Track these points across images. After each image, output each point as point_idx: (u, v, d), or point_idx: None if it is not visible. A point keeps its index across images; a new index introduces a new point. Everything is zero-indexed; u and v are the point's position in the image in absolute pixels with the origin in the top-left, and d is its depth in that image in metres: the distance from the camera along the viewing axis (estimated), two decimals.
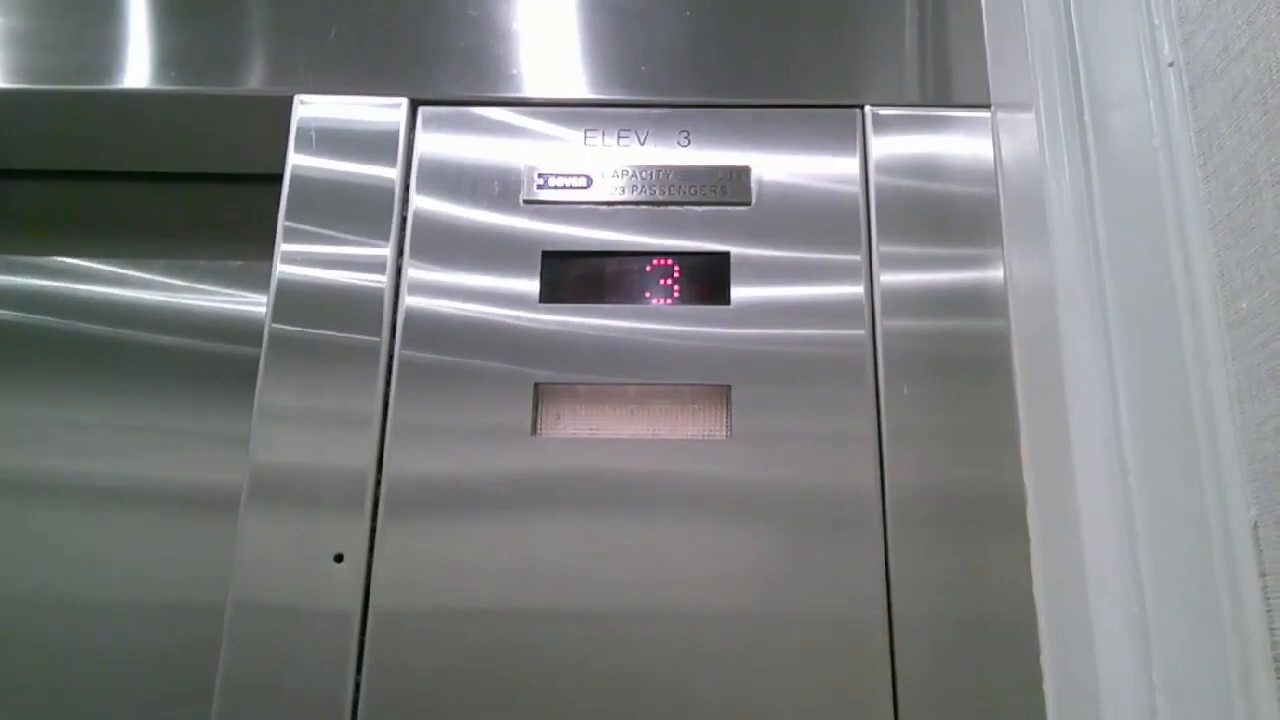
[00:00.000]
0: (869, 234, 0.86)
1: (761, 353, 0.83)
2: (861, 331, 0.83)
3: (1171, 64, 0.62)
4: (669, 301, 0.85)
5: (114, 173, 1.07)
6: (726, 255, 0.86)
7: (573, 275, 0.86)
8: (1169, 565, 0.60)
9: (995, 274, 0.84)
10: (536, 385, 0.82)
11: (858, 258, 0.85)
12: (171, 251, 1.08)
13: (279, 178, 0.88)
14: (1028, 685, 0.74)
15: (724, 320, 0.84)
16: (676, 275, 0.86)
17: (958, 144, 0.88)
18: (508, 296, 0.85)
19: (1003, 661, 0.75)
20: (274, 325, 0.84)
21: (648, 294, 0.85)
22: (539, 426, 0.82)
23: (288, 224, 0.87)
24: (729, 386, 0.82)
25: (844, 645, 0.76)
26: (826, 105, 0.90)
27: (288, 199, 0.87)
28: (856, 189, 0.87)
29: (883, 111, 0.89)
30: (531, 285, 0.85)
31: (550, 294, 0.85)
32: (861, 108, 0.90)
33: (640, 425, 0.83)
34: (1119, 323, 0.67)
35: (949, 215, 0.86)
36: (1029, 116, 0.78)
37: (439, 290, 0.85)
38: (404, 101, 0.90)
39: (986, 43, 0.90)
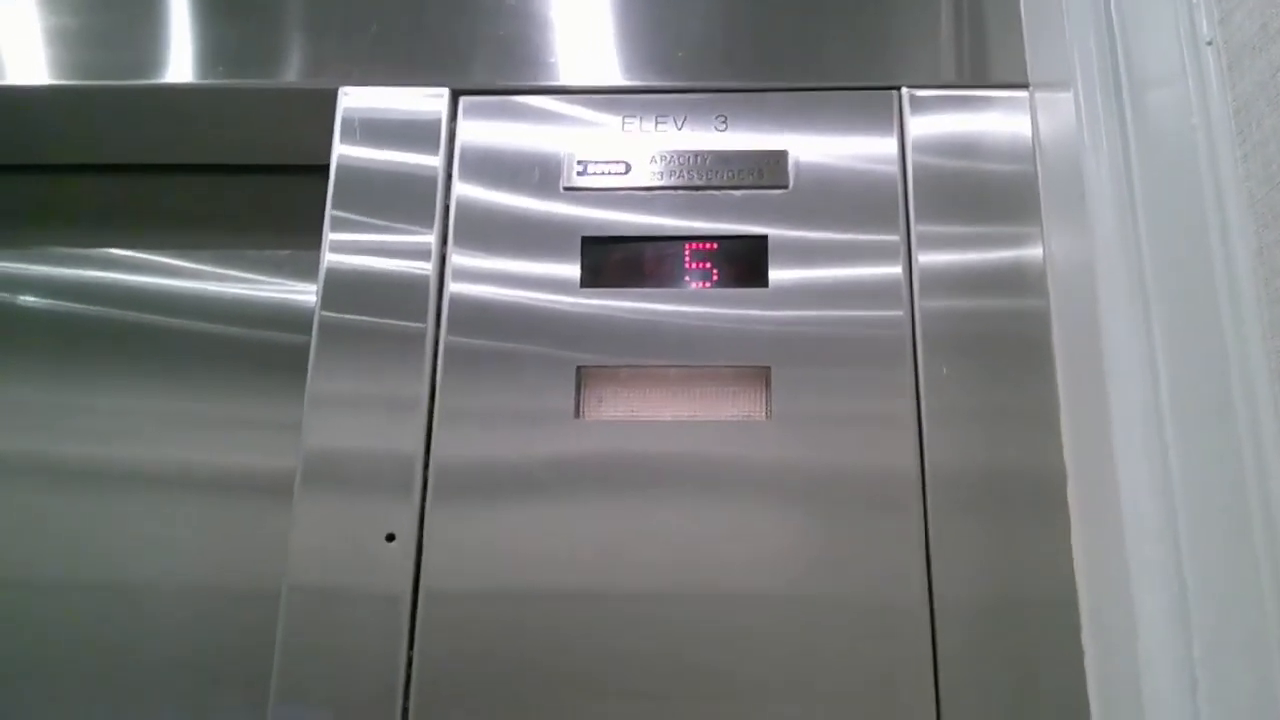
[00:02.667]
0: (907, 215, 0.86)
1: (800, 334, 0.83)
2: (900, 312, 0.83)
3: (1210, 42, 0.61)
4: (708, 285, 0.86)
5: (164, 166, 1.09)
6: (764, 238, 0.86)
7: (613, 260, 0.87)
8: (1209, 542, 0.61)
9: (1034, 253, 0.84)
10: (579, 369, 0.83)
11: (896, 238, 0.85)
12: (221, 242, 1.10)
13: (325, 168, 0.90)
14: (1069, 664, 0.74)
15: (763, 302, 0.84)
16: (715, 258, 0.86)
17: (996, 123, 0.88)
18: (549, 282, 0.86)
19: (1044, 641, 0.75)
20: (323, 313, 0.86)
21: (687, 277, 0.86)
22: (582, 409, 0.83)
23: (335, 213, 0.88)
24: (768, 368, 0.83)
25: (885, 626, 0.76)
26: (863, 87, 0.90)
27: (334, 189, 0.89)
28: (894, 170, 0.87)
29: (920, 93, 0.89)
30: (573, 270, 0.86)
31: (591, 279, 0.86)
32: (898, 89, 0.90)
33: (681, 407, 0.84)
34: (1158, 301, 0.67)
35: (987, 195, 0.86)
36: (1067, 95, 0.78)
37: (483, 276, 0.86)
38: (445, 91, 0.92)
39: (1024, 22, 0.90)
